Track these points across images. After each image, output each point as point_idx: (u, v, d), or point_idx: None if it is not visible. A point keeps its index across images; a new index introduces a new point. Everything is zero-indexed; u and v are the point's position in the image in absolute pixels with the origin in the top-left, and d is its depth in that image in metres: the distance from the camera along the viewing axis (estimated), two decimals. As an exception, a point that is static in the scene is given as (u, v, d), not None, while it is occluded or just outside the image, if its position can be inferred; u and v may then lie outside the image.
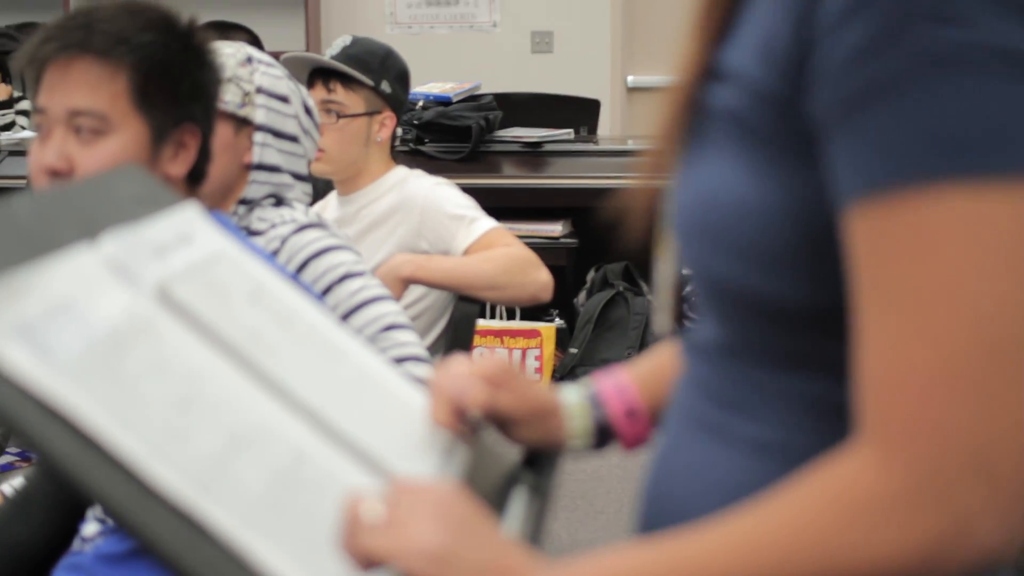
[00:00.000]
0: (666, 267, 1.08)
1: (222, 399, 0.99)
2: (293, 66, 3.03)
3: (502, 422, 1.18)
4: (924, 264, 0.77)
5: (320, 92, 3.01)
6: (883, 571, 0.78)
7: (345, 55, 3.02)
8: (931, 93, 0.76)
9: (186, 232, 1.20)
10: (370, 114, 3.00)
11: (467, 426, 1.13)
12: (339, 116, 2.97)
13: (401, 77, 3.05)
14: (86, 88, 1.77)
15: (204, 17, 5.73)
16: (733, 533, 0.84)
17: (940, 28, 0.76)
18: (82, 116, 1.77)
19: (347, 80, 2.99)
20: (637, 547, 0.87)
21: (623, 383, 1.23)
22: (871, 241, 0.80)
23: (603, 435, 1.22)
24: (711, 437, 0.98)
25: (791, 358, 0.92)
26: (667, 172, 1.01)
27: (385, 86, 3.00)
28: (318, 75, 3.03)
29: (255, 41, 4.13)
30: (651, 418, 1.22)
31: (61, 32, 1.77)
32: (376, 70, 3.00)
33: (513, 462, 1.22)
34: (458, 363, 1.17)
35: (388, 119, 3.02)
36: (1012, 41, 0.76)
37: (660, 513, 1.02)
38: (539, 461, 1.22)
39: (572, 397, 1.22)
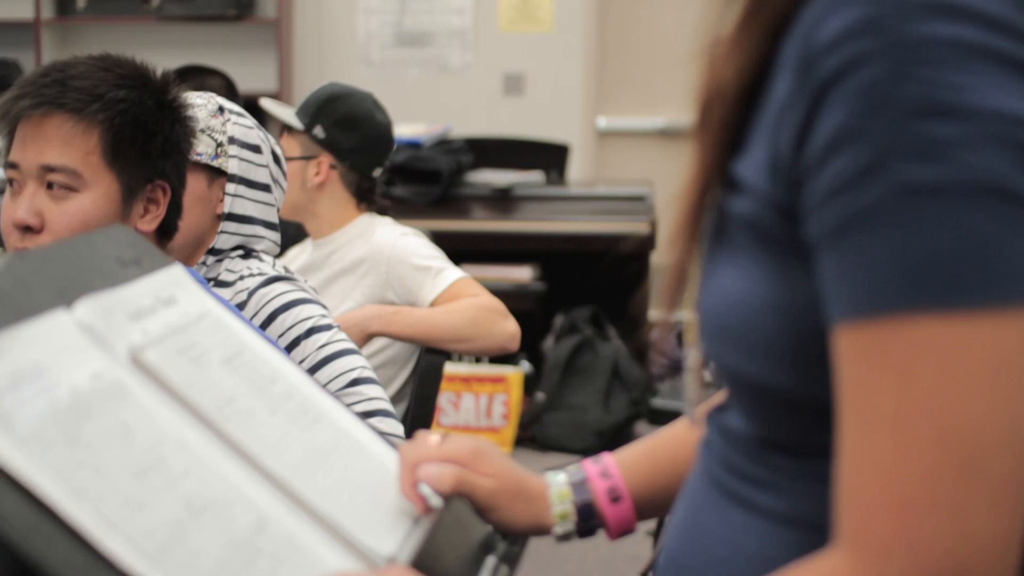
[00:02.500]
0: (694, 353, 1.11)
1: (184, 467, 1.00)
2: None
3: (481, 506, 1.19)
4: (902, 388, 0.80)
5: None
6: None
7: (303, 101, 3.09)
8: (907, 226, 0.79)
9: (169, 294, 1.22)
10: (306, 158, 3.04)
11: (433, 503, 1.15)
12: None
13: (342, 122, 3.05)
14: (59, 144, 1.78)
15: (179, 60, 5.76)
16: None
17: (917, 164, 0.79)
18: (55, 172, 1.78)
19: (291, 125, 3.06)
20: None
21: (608, 467, 1.25)
22: (853, 362, 0.83)
23: (588, 520, 1.24)
24: (734, 505, 1.00)
25: (810, 445, 0.94)
26: (687, 272, 1.03)
27: (318, 131, 3.03)
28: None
29: (230, 86, 4.15)
30: (638, 504, 1.24)
31: (35, 88, 1.78)
32: (311, 115, 3.05)
33: (487, 530, 1.24)
34: (431, 439, 1.19)
35: (322, 163, 3.04)
36: (987, 176, 0.79)
37: (680, 573, 1.04)
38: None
39: (556, 480, 1.24)
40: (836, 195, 0.82)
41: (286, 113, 3.09)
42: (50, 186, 1.79)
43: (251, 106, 6.91)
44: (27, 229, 1.78)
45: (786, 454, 0.96)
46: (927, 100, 0.79)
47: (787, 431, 0.96)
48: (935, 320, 0.79)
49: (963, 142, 0.79)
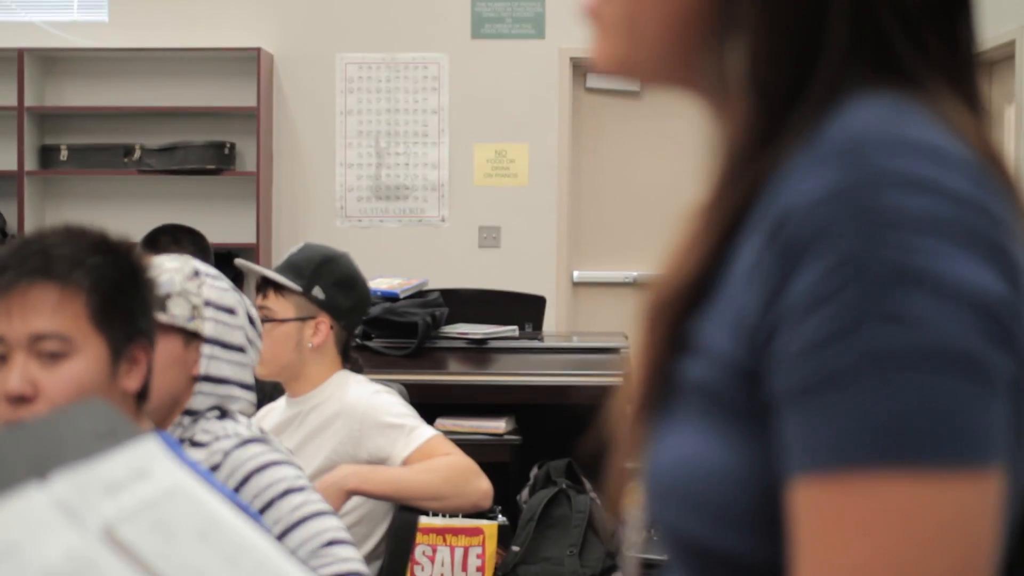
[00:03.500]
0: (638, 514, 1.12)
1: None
2: (245, 272, 3.15)
3: None
4: (862, 542, 0.82)
5: (258, 298, 3.09)
6: None
7: (287, 262, 3.11)
8: (876, 389, 0.82)
9: (143, 467, 1.23)
10: (302, 319, 3.06)
11: None
12: (264, 320, 3.04)
13: (341, 283, 3.09)
14: (47, 312, 1.81)
15: (158, 212, 5.79)
16: None
17: (888, 328, 0.82)
18: (45, 340, 1.81)
19: (280, 286, 3.07)
20: None
21: None
22: (812, 515, 0.85)
23: None
24: None
25: None
26: (640, 435, 1.04)
27: (317, 292, 3.06)
28: (262, 281, 3.12)
29: (204, 246, 4.21)
30: None
31: (17, 260, 1.82)
32: (308, 276, 3.07)
33: None
34: None
35: (321, 324, 3.07)
36: (954, 341, 0.82)
37: None
38: None
39: None
40: (806, 355, 0.84)
41: (281, 277, 3.09)
42: (39, 355, 1.81)
43: (229, 257, 6.95)
44: (21, 400, 1.80)
45: None
46: (898, 268, 0.82)
47: None
48: (896, 478, 0.82)
49: (932, 311, 0.82)
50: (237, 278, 7.07)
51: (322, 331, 3.06)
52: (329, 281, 3.07)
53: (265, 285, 3.11)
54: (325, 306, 3.07)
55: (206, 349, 2.27)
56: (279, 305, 3.07)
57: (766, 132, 0.93)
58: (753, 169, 0.93)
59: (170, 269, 2.26)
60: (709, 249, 0.96)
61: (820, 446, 0.84)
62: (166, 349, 2.14)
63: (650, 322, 1.00)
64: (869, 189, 0.84)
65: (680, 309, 0.98)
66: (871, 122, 0.88)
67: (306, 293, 3.06)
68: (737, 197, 0.94)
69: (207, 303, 2.28)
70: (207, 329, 2.27)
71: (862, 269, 0.83)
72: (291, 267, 3.09)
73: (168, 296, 2.22)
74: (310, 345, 3.05)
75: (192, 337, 2.27)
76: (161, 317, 2.16)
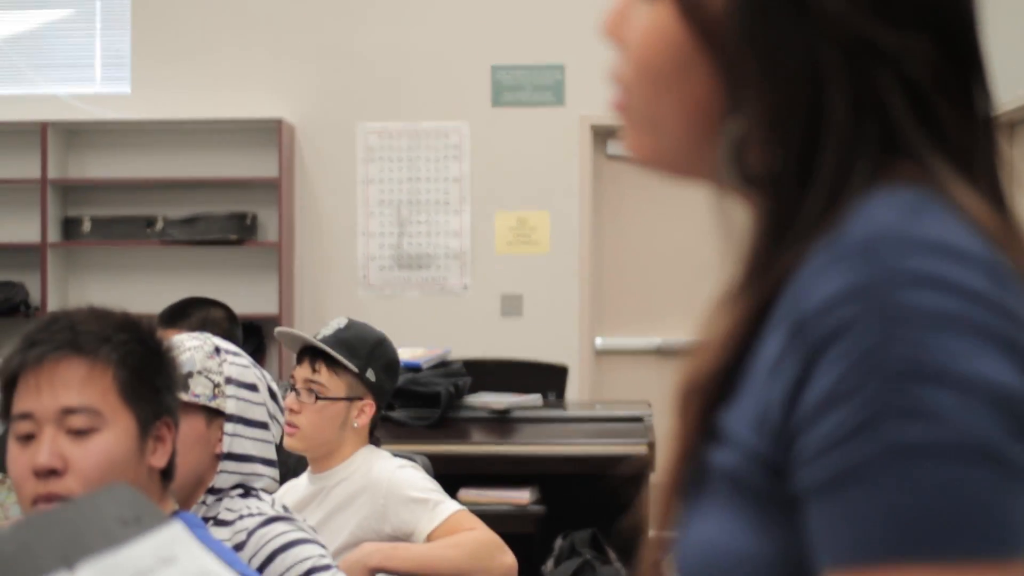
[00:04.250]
0: None
1: None
2: (285, 340, 3.12)
3: None
4: None
5: (305, 370, 3.05)
6: None
7: (336, 338, 3.06)
8: (897, 483, 0.82)
9: (168, 553, 1.23)
10: (350, 399, 3.04)
11: None
12: (318, 397, 3.01)
13: (389, 367, 3.10)
14: (76, 386, 1.82)
15: (181, 282, 5.78)
16: None
17: (908, 424, 0.82)
18: (75, 414, 1.81)
19: (332, 363, 3.03)
20: None
21: None
22: None
23: None
24: None
25: None
26: (672, 519, 1.04)
27: (370, 374, 3.04)
28: (306, 353, 3.07)
29: (231, 317, 4.19)
30: None
31: (46, 335, 1.83)
32: (363, 357, 3.05)
33: None
34: None
35: (368, 406, 3.06)
36: (973, 438, 0.82)
37: None
38: None
39: None
40: (828, 451, 0.85)
41: (341, 356, 3.05)
42: (68, 429, 1.81)
43: (252, 328, 6.94)
44: (51, 473, 1.79)
45: None
46: (915, 365, 0.83)
47: None
48: (920, 572, 0.82)
49: (950, 405, 0.82)
50: (256, 352, 7.07)
51: (367, 413, 3.05)
52: (381, 364, 3.07)
53: (316, 358, 3.07)
54: (373, 388, 3.06)
55: (228, 427, 2.27)
56: (332, 383, 3.04)
57: (783, 220, 0.94)
58: (777, 262, 0.94)
59: (191, 348, 2.26)
60: (736, 340, 0.97)
61: (844, 542, 0.84)
62: (189, 428, 2.14)
63: (679, 409, 1.00)
64: (885, 288, 0.85)
65: (708, 399, 0.98)
66: (888, 221, 0.88)
67: (361, 374, 3.04)
68: (762, 290, 0.95)
69: (228, 380, 2.28)
70: (229, 407, 2.27)
71: (879, 366, 0.84)
72: (344, 345, 3.05)
73: (189, 375, 2.22)
74: (355, 425, 3.04)
75: (214, 415, 2.27)
76: (183, 396, 2.16)
